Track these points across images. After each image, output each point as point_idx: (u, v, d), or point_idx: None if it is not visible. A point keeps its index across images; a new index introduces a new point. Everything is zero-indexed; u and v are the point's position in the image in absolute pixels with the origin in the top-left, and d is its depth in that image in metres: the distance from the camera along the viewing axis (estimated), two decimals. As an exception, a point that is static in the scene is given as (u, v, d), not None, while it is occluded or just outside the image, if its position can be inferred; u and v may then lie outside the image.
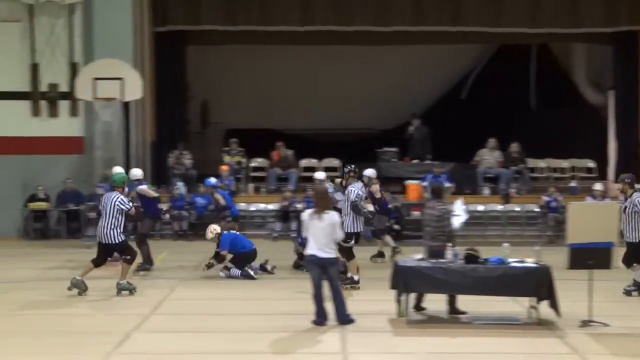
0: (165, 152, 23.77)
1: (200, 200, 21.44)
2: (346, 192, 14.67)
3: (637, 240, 13.33)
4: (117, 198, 13.77)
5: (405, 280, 11.74)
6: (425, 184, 21.71)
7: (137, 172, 16.91)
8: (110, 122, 22.09)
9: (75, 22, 22.56)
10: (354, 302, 12.07)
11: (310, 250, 11.61)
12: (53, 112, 22.68)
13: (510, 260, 11.89)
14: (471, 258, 11.81)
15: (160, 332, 11.62)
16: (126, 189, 14.73)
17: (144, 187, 16.44)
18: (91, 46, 22.48)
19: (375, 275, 14.98)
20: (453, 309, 12.25)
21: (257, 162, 24.75)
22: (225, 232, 15.99)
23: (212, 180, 17.91)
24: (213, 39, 25.80)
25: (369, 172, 17.53)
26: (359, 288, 14.35)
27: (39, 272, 16.62)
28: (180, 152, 23.48)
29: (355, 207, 14.49)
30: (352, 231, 14.44)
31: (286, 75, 27.98)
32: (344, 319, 11.61)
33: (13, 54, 22.41)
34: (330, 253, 11.59)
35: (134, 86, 21.65)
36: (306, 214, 11.86)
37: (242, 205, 22.05)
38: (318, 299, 11.61)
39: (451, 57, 28.76)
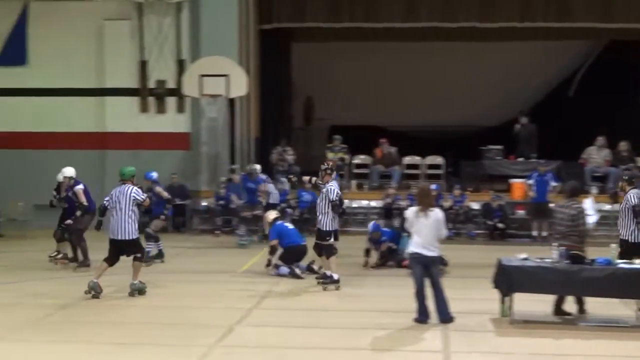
0: (269, 148, 24.00)
1: (305, 195, 21.55)
2: (324, 191, 14.10)
3: (625, 237, 12.73)
4: (132, 189, 13.32)
5: (509, 280, 11.57)
6: (530, 182, 21.36)
7: (71, 171, 16.32)
8: (215, 118, 22.46)
9: (182, 20, 22.97)
10: (456, 300, 11.94)
11: (415, 247, 11.53)
12: (161, 108, 23.13)
13: (618, 261, 11.60)
14: (577, 258, 11.56)
15: (263, 326, 11.70)
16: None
17: (80, 187, 15.99)
18: (198, 43, 22.86)
19: (478, 274, 14.79)
20: (559, 310, 12.02)
21: (360, 158, 24.74)
22: (277, 222, 15.83)
23: (154, 174, 16.98)
24: (318, 35, 25.94)
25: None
26: (339, 288, 14.15)
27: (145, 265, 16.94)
28: (282, 149, 23.66)
29: (335, 207, 14.09)
30: (330, 229, 14.18)
31: (390, 71, 27.91)
32: (446, 317, 11.51)
33: (123, 51, 22.94)
34: (434, 251, 11.51)
35: (239, 83, 21.95)
36: (411, 212, 11.79)
37: (344, 202, 22.08)
38: (420, 296, 11.54)
39: (558, 53, 28.25)
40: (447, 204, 20.92)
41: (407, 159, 24.48)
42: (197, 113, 22.86)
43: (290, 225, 16.28)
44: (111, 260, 13.40)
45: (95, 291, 13.15)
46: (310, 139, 29.10)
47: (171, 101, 23.11)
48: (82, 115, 23.22)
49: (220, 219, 21.68)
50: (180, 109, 23.09)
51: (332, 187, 14.12)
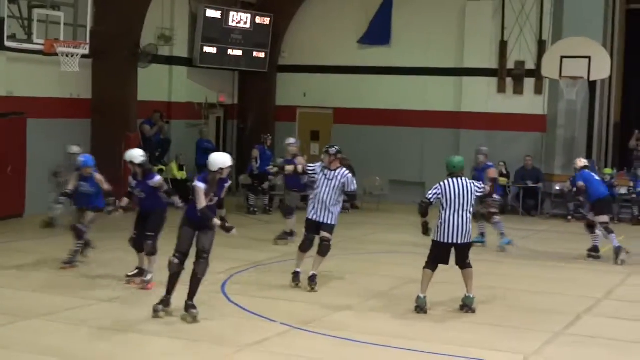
0: (630, 134, 22.95)
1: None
2: (341, 179, 11.98)
3: None
4: (472, 183, 11.15)
5: None
6: None
7: (137, 153, 12.15)
8: (574, 102, 21.83)
9: (545, 0, 22.51)
10: None
11: None
12: (518, 90, 22.89)
13: None
14: None
15: (611, 318, 11.30)
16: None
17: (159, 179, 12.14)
18: (560, 24, 22.31)
19: None
20: None
21: None
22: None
23: (89, 158, 13.26)
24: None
25: (293, 141, 15.93)
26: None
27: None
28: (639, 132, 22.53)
29: (354, 198, 12.66)
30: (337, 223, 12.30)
31: None
32: None
33: (484, 31, 22.93)
34: None
35: (602, 65, 21.13)
36: None
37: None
38: None
39: None
40: None
41: None
42: (555, 95, 22.34)
43: (596, 177, 15.86)
44: (434, 266, 11.09)
45: (422, 309, 11.02)
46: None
47: (529, 82, 22.79)
48: (440, 94, 23.54)
49: (573, 204, 21.08)
50: (538, 90, 22.71)
51: (350, 175, 12.17)
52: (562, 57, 21.20)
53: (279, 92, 25.24)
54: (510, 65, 22.84)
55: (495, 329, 10.44)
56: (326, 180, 12.08)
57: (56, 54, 16.93)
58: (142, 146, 20.75)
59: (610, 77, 22.24)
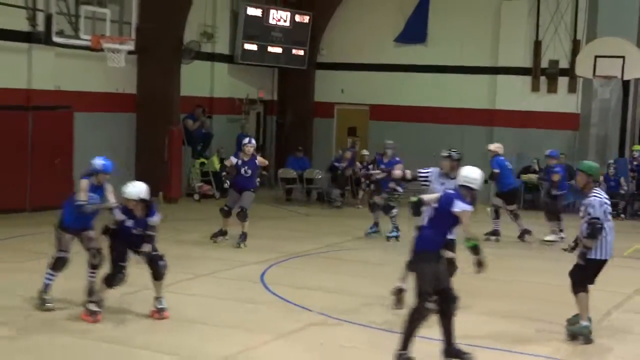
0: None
1: None
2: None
3: None
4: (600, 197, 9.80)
5: None
6: None
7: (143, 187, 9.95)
8: (607, 100, 22.00)
9: (580, 0, 22.70)
10: None
11: None
12: (552, 88, 23.08)
13: None
14: None
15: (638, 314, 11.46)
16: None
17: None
18: (594, 24, 22.48)
19: None
20: None
21: None
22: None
23: (110, 163, 10.33)
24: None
25: (250, 141, 15.52)
26: None
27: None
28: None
29: None
30: None
31: None
32: None
33: (518, 31, 23.13)
34: None
35: (635, 64, 21.28)
36: None
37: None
38: None
39: None
40: None
41: None
42: (589, 94, 22.53)
43: (509, 166, 17.09)
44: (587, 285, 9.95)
45: (589, 339, 9.89)
46: None
47: (563, 81, 22.99)
48: (474, 92, 23.79)
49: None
50: (572, 89, 22.91)
51: None
52: (596, 57, 21.40)
53: (317, 88, 25.63)
54: (544, 64, 23.06)
55: (523, 323, 10.60)
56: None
57: (102, 50, 17.46)
58: (185, 140, 21.39)
59: (642, 76, 22.42)
